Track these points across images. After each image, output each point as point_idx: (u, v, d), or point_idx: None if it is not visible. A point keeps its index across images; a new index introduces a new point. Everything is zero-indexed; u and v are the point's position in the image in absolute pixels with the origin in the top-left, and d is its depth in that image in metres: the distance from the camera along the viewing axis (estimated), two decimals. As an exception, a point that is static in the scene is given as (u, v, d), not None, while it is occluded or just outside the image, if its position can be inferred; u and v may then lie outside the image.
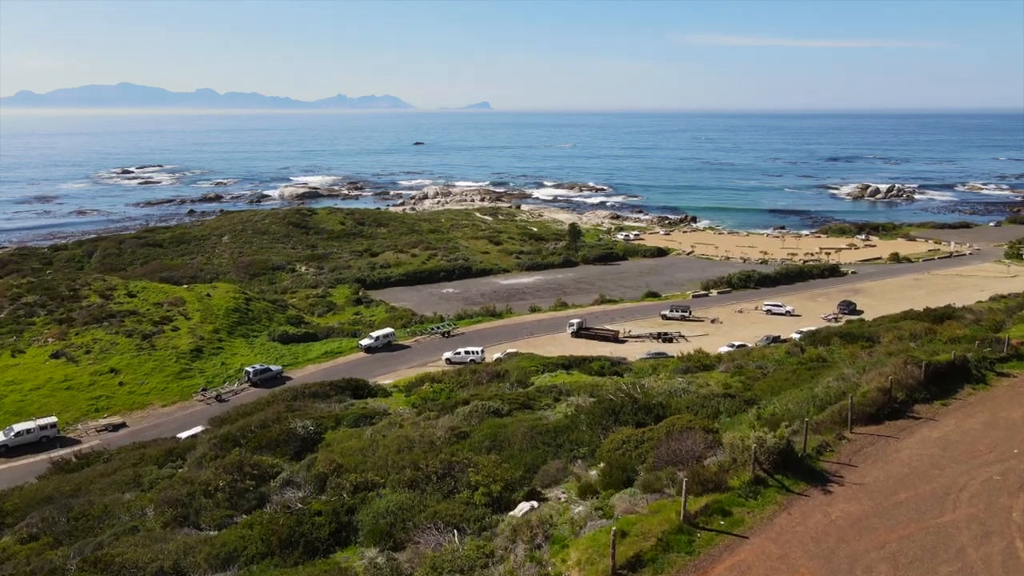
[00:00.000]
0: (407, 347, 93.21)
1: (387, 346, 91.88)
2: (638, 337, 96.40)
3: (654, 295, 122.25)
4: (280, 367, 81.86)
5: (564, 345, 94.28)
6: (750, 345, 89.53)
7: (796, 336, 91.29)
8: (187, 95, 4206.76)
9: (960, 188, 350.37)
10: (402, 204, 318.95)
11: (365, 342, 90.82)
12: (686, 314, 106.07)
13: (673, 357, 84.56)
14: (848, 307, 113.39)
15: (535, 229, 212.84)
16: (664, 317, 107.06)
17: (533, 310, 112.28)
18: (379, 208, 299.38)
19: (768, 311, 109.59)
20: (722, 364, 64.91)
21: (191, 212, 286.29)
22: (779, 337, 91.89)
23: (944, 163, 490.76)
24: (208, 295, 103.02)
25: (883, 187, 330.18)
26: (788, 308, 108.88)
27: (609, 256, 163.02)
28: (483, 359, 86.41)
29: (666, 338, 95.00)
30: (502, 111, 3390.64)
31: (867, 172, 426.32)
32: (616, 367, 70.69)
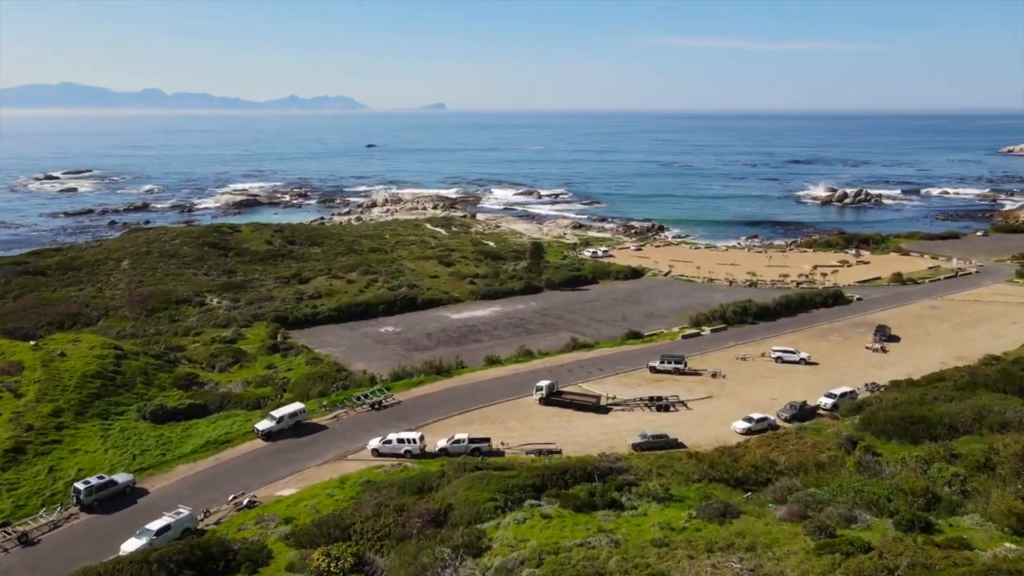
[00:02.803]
0: (323, 428, 70.18)
1: (295, 428, 68.73)
2: (625, 404, 75.17)
3: (636, 336, 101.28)
4: (131, 476, 58.09)
5: (531, 419, 72.49)
6: (771, 417, 68.91)
7: (827, 403, 71.33)
8: (133, 95, 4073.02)
9: (925, 192, 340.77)
10: (348, 213, 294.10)
11: (264, 425, 67.50)
12: (680, 366, 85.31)
13: (676, 441, 63.52)
14: (884, 333, 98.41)
15: (492, 244, 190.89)
16: (653, 370, 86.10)
17: (491, 362, 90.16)
18: (323, 218, 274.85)
19: (778, 358, 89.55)
20: (771, 488, 43.95)
21: (112, 224, 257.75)
22: (805, 404, 71.57)
23: (903, 165, 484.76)
24: (63, 354, 78.40)
25: (851, 191, 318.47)
26: (802, 355, 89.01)
27: (577, 279, 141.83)
28: (422, 448, 64.04)
29: (661, 405, 74.02)
30: (458, 112, 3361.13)
31: (829, 175, 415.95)
32: (610, 481, 49.10)
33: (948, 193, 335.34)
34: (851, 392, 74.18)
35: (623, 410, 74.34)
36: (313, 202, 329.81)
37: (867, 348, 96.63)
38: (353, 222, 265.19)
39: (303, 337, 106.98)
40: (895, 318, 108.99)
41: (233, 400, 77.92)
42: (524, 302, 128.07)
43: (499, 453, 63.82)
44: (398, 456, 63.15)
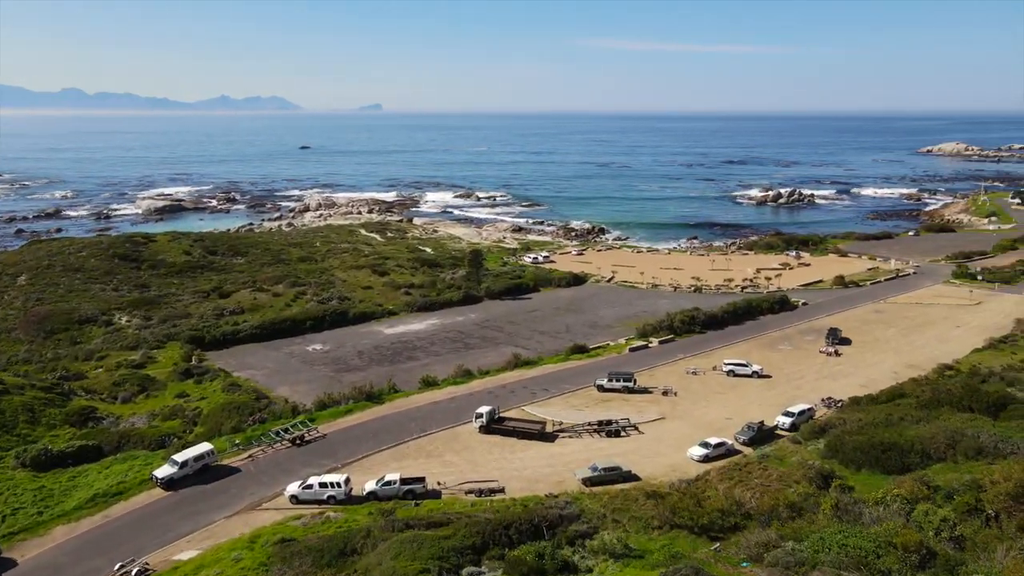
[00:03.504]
0: (235, 471, 62.00)
1: (202, 473, 60.40)
2: (573, 430, 69.39)
3: (581, 350, 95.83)
4: (-6, 545, 49.15)
5: (471, 450, 65.92)
6: (729, 442, 64.20)
7: (785, 422, 67.14)
8: (51, 95, 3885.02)
9: (855, 191, 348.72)
10: (279, 218, 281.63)
11: (164, 472, 58.90)
12: (630, 383, 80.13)
13: (630, 473, 58.07)
14: (836, 336, 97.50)
15: (429, 251, 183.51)
16: (601, 388, 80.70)
17: (426, 384, 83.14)
18: (252, 224, 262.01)
19: (730, 372, 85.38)
20: (743, 541, 38.61)
21: (19, 232, 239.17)
22: (763, 425, 67.23)
23: (831, 165, 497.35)
24: (-71, 393, 67.96)
25: (785, 192, 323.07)
26: (754, 368, 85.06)
27: (518, 288, 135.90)
28: (348, 492, 56.75)
29: (611, 431, 68.54)
30: (395, 113, 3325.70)
31: (763, 175, 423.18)
32: (561, 534, 43.01)
33: (876, 193, 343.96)
34: (809, 409, 70.31)
35: (571, 437, 68.54)
36: (242, 207, 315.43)
37: (821, 352, 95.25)
38: (284, 228, 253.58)
39: (221, 359, 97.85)
40: (842, 323, 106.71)
41: (134, 439, 68.84)
42: (463, 313, 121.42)
43: (435, 494, 57.10)
44: (320, 503, 55.72)
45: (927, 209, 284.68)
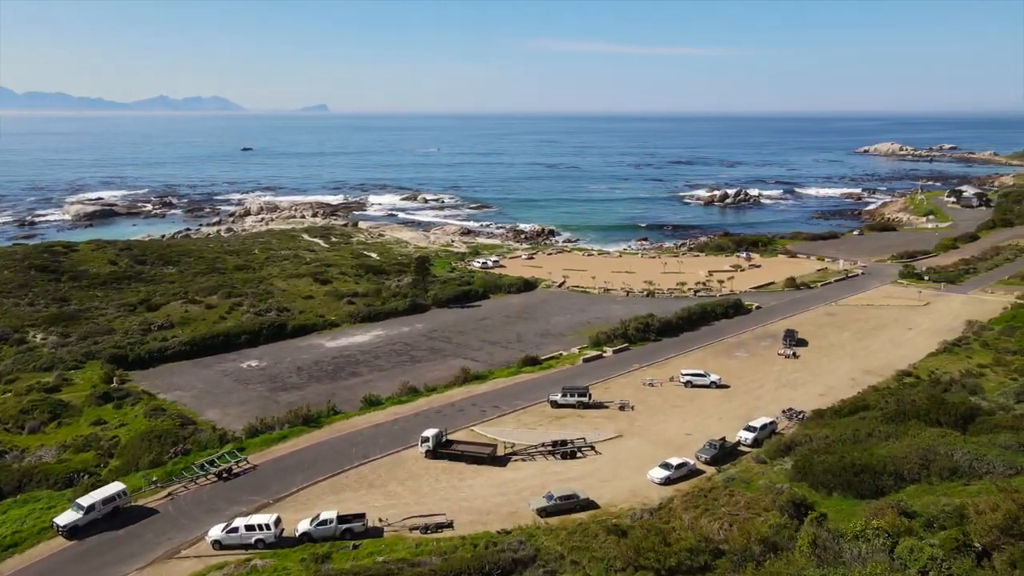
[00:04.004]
0: (152, 513, 55.64)
1: (112, 516, 53.90)
2: (526, 452, 64.98)
3: (533, 361, 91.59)
4: None
5: (417, 479, 60.89)
6: (691, 462, 60.74)
7: (748, 437, 64.12)
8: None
9: (799, 191, 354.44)
10: (219, 223, 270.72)
11: (66, 518, 52.18)
12: (584, 398, 76.21)
13: (588, 500, 54.02)
14: (793, 338, 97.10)
15: (375, 256, 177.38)
16: (555, 404, 76.57)
17: (369, 404, 77.66)
18: (189, 229, 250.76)
19: (688, 383, 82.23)
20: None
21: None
22: (725, 441, 64.00)
23: (774, 165, 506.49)
24: None
25: (731, 192, 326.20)
26: (712, 378, 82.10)
27: (467, 295, 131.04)
28: (278, 535, 51.17)
29: (566, 452, 64.39)
30: (341, 113, 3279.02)
31: (709, 175, 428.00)
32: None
33: (819, 193, 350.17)
34: (771, 423, 67.54)
35: (524, 460, 64.15)
36: (179, 212, 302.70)
37: (780, 354, 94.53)
38: (223, 233, 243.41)
39: (146, 379, 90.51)
40: (797, 327, 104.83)
41: (38, 476, 61.71)
42: (409, 323, 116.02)
43: (377, 532, 51.97)
44: (247, 547, 50.01)
45: (868, 208, 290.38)
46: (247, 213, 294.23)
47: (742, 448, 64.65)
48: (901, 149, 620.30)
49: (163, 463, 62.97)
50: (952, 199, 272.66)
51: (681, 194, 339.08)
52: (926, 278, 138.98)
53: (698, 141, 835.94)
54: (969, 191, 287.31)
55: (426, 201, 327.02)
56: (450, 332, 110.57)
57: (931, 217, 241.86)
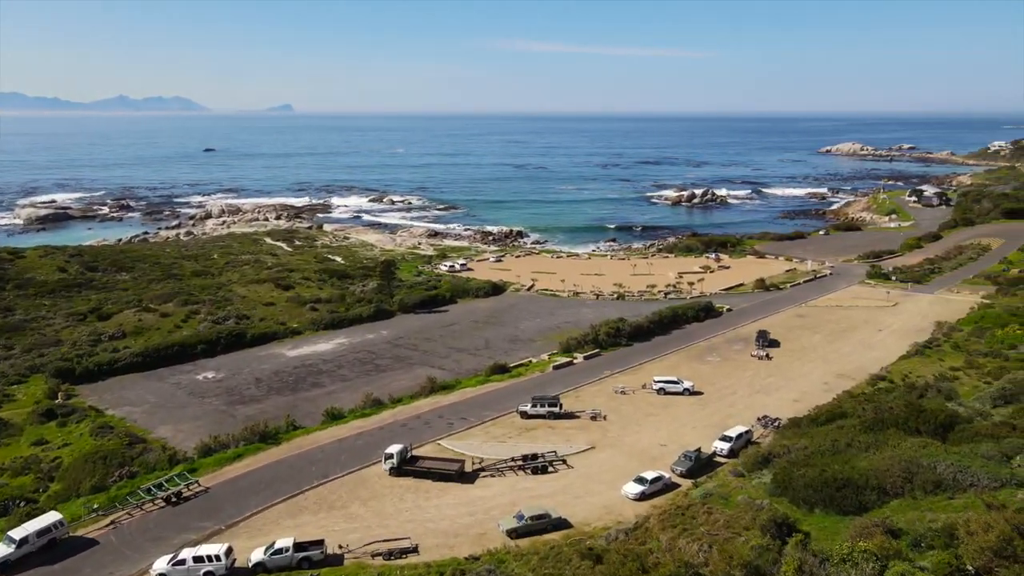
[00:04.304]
0: (92, 544, 51.74)
1: (48, 549, 49.91)
2: (495, 468, 62.22)
3: (502, 369, 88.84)
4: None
5: (380, 499, 57.78)
6: (666, 475, 58.64)
7: (724, 448, 62.28)
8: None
9: (765, 191, 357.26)
10: (178, 227, 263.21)
11: (-5, 554, 48.24)
12: (555, 408, 73.74)
13: (561, 520, 51.56)
14: (765, 338, 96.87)
15: (339, 260, 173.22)
16: (524, 415, 73.96)
17: (331, 417, 74.24)
18: (147, 233, 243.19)
19: (661, 390, 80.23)
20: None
21: None
22: (700, 453, 62.03)
23: (739, 165, 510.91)
24: None
25: (698, 192, 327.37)
26: (686, 384, 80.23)
27: (434, 300, 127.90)
28: (230, 566, 47.73)
29: (537, 466, 61.80)
30: (306, 114, 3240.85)
31: (676, 175, 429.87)
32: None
33: (784, 193, 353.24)
34: (747, 432, 65.80)
35: (493, 476, 61.41)
36: (137, 215, 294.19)
37: (753, 355, 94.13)
38: (183, 237, 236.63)
39: (95, 394, 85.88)
40: (768, 329, 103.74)
41: (-30, 503, 57.26)
42: (374, 330, 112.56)
43: (337, 560, 48.81)
44: (195, 584, 46.50)
45: (832, 208, 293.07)
46: (208, 216, 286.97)
47: (718, 459, 62.80)
48: (862, 149, 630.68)
49: (107, 488, 58.94)
50: (913, 198, 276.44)
51: (648, 194, 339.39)
52: (893, 278, 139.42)
53: (664, 141, 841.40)
54: (930, 190, 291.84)
55: (393, 203, 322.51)
56: (416, 339, 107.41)
57: (894, 216, 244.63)
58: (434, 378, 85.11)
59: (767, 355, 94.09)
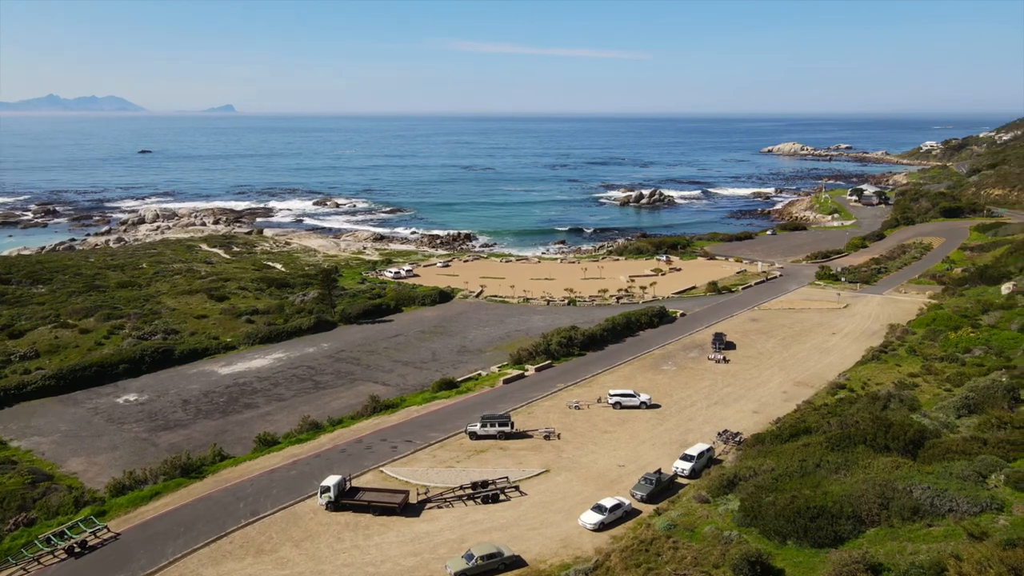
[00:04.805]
0: (-23, 608, 45.41)
1: (-76, 618, 43.38)
2: (441, 498, 57.37)
3: (449, 385, 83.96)
4: None
5: (315, 539, 52.33)
6: (626, 502, 54.79)
7: (685, 468, 58.79)
8: None
9: (711, 191, 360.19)
10: (108, 233, 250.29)
11: None
12: (506, 428, 69.24)
13: (515, 558, 47.16)
14: (721, 341, 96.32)
15: (279, 268, 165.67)
16: (474, 436, 69.27)
17: (264, 444, 68.22)
18: (73, 240, 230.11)
19: (617, 404, 76.53)
20: None
21: None
22: (661, 474, 58.37)
23: (684, 165, 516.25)
24: None
25: (646, 192, 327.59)
26: (642, 398, 76.72)
27: (378, 309, 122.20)
28: (140, 630, 41.83)
29: (488, 495, 57.16)
30: (249, 115, 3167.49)
31: (623, 175, 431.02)
32: None
33: (730, 192, 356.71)
34: (708, 450, 62.47)
35: (440, 507, 56.56)
36: (64, 220, 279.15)
37: (710, 359, 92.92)
38: (112, 244, 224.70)
39: (0, 422, 77.85)
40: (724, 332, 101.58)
41: None
42: (314, 343, 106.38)
43: (263, 616, 43.34)
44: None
45: (776, 207, 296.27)
46: (141, 221, 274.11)
47: (680, 480, 59.28)
48: (802, 149, 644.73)
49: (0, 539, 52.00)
50: (854, 197, 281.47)
51: (597, 195, 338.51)
52: (842, 279, 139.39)
53: (611, 142, 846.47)
54: (869, 189, 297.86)
55: (338, 206, 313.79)
56: (359, 352, 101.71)
57: (836, 215, 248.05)
58: (377, 396, 79.73)
59: (724, 358, 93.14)
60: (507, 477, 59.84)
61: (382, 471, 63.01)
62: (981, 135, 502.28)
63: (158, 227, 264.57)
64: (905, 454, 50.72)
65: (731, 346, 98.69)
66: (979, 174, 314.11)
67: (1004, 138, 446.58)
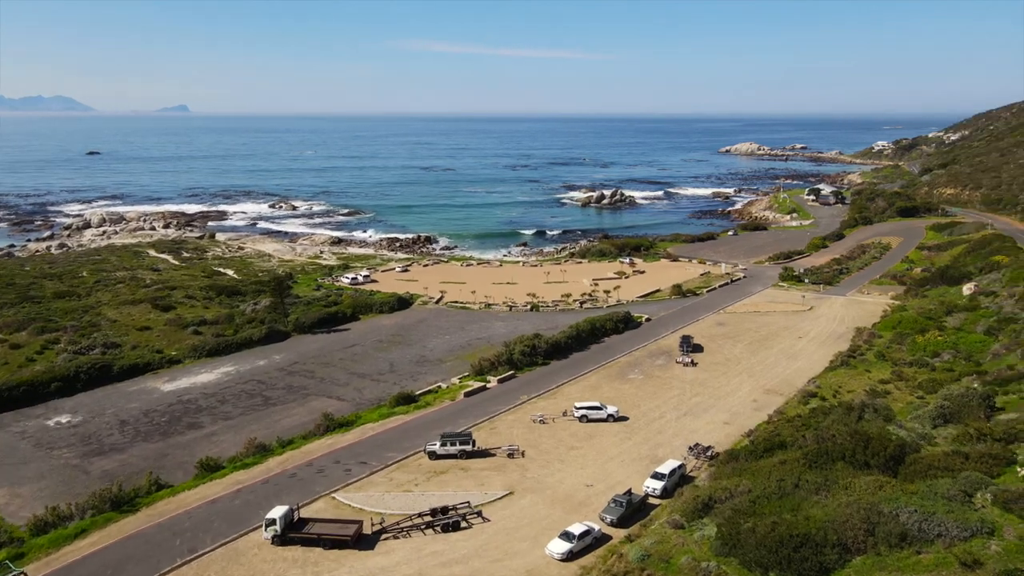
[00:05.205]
0: None
1: None
2: (398, 528, 53.36)
3: (408, 399, 79.78)
4: None
5: (258, 579, 47.91)
6: (596, 527, 51.48)
7: (656, 487, 55.83)
8: None
9: (672, 191, 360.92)
10: (50, 238, 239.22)
11: None
12: (467, 447, 65.44)
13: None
14: (688, 343, 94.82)
15: (231, 274, 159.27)
16: (433, 456, 65.35)
17: (206, 470, 63.23)
18: (12, 246, 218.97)
19: (583, 417, 73.32)
20: None
21: None
22: (631, 495, 55.27)
23: (644, 165, 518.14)
24: None
25: (607, 193, 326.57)
26: (610, 410, 73.64)
27: (334, 318, 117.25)
28: None
29: (448, 523, 53.33)
30: (203, 115, 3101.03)
31: (584, 176, 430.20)
32: None
33: (690, 192, 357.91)
34: (680, 467, 59.59)
35: (397, 537, 52.56)
36: (3, 226, 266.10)
37: (678, 362, 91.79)
38: (54, 250, 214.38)
39: (-85, 450, 71.36)
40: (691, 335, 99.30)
41: None
42: (266, 355, 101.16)
43: (197, 674, 38.88)
44: None
45: (735, 207, 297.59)
46: (86, 226, 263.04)
47: (651, 500, 56.24)
48: (759, 149, 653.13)
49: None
50: (812, 197, 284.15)
51: (558, 196, 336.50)
52: (806, 280, 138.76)
53: (571, 142, 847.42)
54: (826, 189, 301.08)
55: (294, 208, 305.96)
56: (313, 364, 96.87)
57: (794, 215, 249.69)
58: (330, 414, 75.23)
59: (692, 361, 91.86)
60: (468, 502, 56.07)
61: (334, 498, 58.70)
62: (930, 135, 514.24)
63: (104, 232, 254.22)
64: (886, 471, 48.44)
65: (699, 348, 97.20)
66: (931, 173, 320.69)
67: (952, 138, 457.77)
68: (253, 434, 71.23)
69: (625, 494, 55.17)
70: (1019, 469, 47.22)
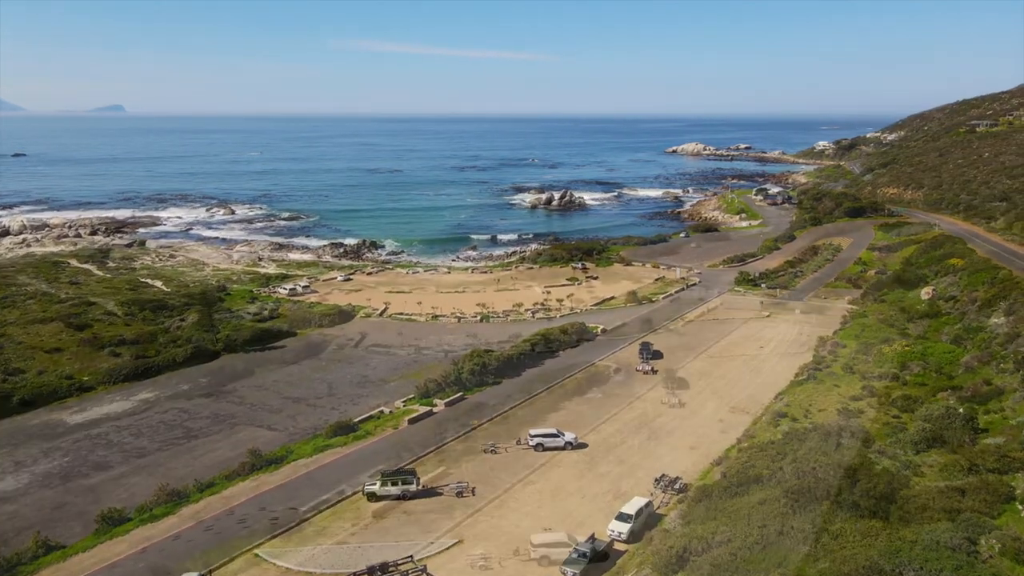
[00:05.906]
0: None
1: None
2: (331, 594, 46.37)
3: (345, 428, 72.40)
4: None
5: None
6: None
7: (622, 531, 50.08)
8: None
9: (621, 192, 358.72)
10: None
11: None
12: (411, 486, 58.55)
13: None
14: (648, 350, 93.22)
15: (159, 285, 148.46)
16: (372, 497, 58.27)
17: (107, 524, 54.85)
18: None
19: (539, 445, 67.18)
20: None
21: None
22: (595, 543, 49.27)
23: (591, 166, 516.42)
24: None
25: (557, 195, 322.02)
26: (567, 437, 67.71)
27: (269, 334, 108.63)
28: None
29: (389, 584, 46.60)
30: (139, 115, 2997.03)
31: (532, 177, 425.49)
32: None
33: (641, 194, 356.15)
34: (647, 505, 53.99)
35: (328, 607, 45.55)
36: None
37: (638, 370, 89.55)
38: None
39: None
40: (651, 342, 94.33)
41: None
42: (191, 378, 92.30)
43: None
44: None
45: (685, 208, 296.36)
46: (5, 233, 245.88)
47: (617, 546, 50.42)
48: (705, 149, 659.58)
49: None
50: (760, 197, 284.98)
51: (507, 198, 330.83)
52: (762, 285, 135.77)
53: (518, 142, 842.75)
54: (774, 189, 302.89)
55: (233, 213, 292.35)
56: (244, 388, 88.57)
57: (743, 215, 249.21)
58: (257, 449, 67.34)
59: (652, 369, 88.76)
60: (412, 556, 49.27)
61: (257, 555, 51.19)
62: (868, 135, 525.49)
63: (24, 240, 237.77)
64: (876, 511, 43.60)
65: (659, 355, 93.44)
66: (873, 173, 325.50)
67: (889, 138, 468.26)
68: (170, 473, 63.16)
69: (588, 541, 49.23)
70: (1020, 506, 42.98)
